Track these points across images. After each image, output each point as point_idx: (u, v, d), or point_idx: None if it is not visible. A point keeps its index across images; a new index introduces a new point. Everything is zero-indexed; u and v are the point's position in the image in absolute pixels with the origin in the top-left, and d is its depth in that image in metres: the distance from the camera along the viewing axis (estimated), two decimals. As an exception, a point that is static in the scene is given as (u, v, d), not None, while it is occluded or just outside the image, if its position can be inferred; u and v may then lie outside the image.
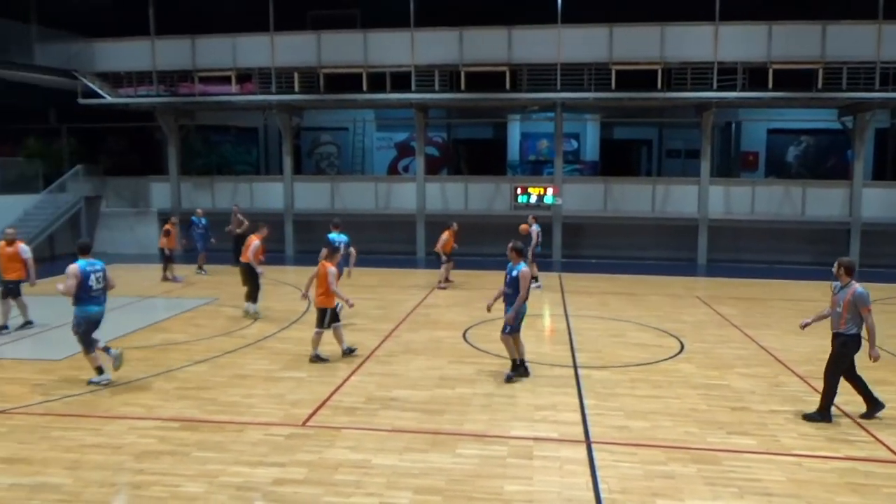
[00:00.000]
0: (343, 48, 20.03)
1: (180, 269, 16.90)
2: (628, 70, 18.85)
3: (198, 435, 6.68)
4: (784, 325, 11.96)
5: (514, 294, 8.39)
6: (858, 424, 7.08)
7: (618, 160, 25.13)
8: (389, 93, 19.88)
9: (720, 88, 18.59)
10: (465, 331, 11.28)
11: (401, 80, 19.80)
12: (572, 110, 21.84)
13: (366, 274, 17.58)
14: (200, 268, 17.49)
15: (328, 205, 21.61)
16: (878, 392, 7.32)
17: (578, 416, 7.29)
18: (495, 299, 8.84)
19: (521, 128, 24.93)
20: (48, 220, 20.23)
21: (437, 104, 21.81)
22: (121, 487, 5.61)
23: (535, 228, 15.55)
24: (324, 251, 9.58)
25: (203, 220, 17.73)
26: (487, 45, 19.46)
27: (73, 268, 7.94)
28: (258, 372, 8.84)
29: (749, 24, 18.53)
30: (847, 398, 7.37)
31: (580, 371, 9.01)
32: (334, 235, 12.27)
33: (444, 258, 15.40)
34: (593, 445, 6.51)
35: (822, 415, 7.16)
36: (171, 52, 20.75)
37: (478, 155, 26.29)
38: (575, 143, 24.69)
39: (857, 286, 6.98)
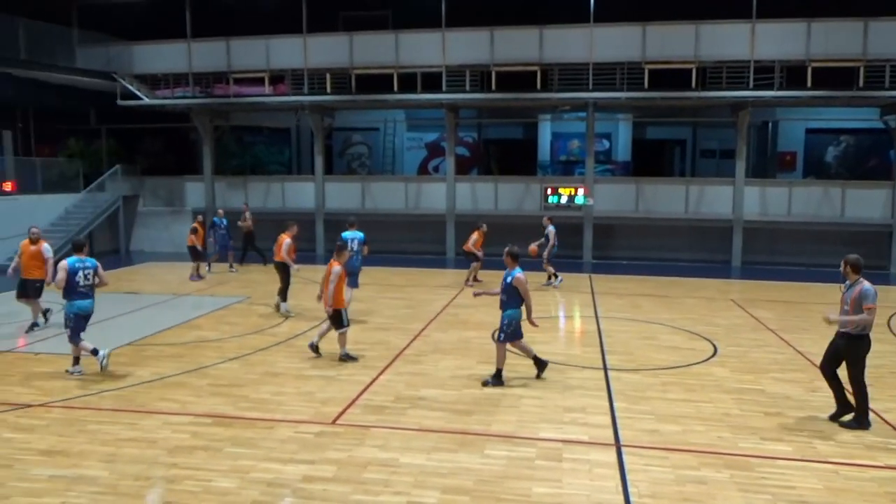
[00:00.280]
0: (374, 49, 20.15)
1: (203, 268, 17.15)
2: (662, 69, 18.61)
3: (230, 431, 6.78)
4: (822, 329, 11.59)
5: (509, 300, 8.25)
6: (899, 432, 6.88)
7: (650, 160, 24.81)
8: (420, 93, 19.94)
9: (757, 87, 18.24)
10: (495, 331, 11.21)
11: (432, 81, 19.84)
12: (604, 110, 21.63)
13: (395, 274, 17.70)
14: (231, 266, 17.78)
15: (359, 204, 21.77)
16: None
17: (608, 419, 7.22)
18: (488, 293, 8.73)
19: (552, 128, 24.77)
20: (88, 218, 20.74)
21: (467, 104, 21.81)
22: (155, 481, 5.72)
23: (551, 230, 15.49)
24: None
25: (224, 221, 17.93)
26: (519, 44, 19.38)
27: (63, 263, 8.54)
28: (289, 370, 8.94)
29: (787, 21, 18.13)
30: (888, 405, 7.17)
31: (610, 373, 8.92)
32: (348, 233, 12.36)
33: (479, 255, 15.40)
34: (623, 449, 6.44)
35: (860, 421, 6.99)
36: (206, 54, 21.11)
37: (508, 155, 26.20)
38: (606, 144, 24.47)
39: (865, 283, 6.86)
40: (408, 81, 19.97)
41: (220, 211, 18.60)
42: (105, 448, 6.34)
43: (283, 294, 12.46)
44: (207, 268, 17.40)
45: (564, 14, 19.08)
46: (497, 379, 8.32)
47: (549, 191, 20.55)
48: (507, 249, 8.53)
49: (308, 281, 15.21)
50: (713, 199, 20.10)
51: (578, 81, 19.13)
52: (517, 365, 9.24)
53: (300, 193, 22.43)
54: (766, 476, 5.88)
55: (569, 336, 11.82)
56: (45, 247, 11.12)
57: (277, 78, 20.95)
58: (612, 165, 24.30)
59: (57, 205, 20.51)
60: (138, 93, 21.30)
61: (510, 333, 8.29)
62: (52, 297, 11.27)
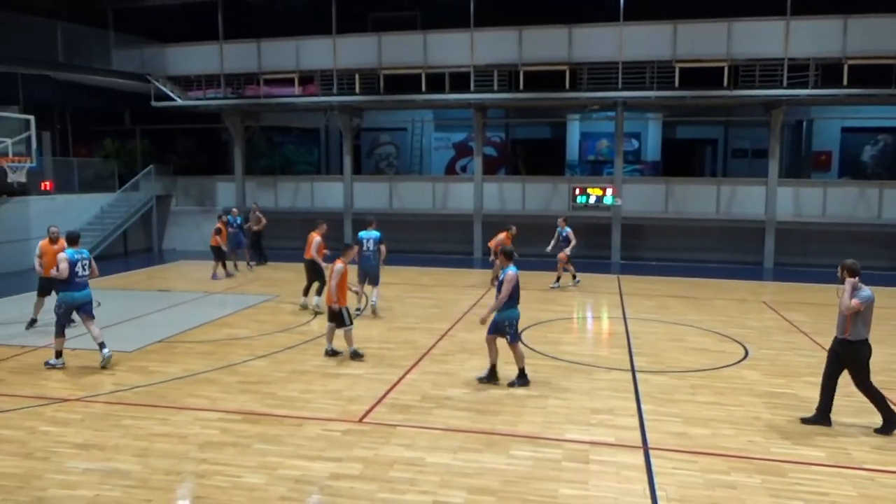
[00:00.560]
0: (403, 49, 20.22)
1: (230, 266, 17.33)
2: (693, 68, 18.36)
3: (258, 428, 6.87)
4: (857, 332, 11.40)
5: (507, 300, 8.17)
6: (938, 439, 6.70)
7: (680, 160, 24.50)
8: (448, 93, 19.95)
9: (791, 86, 17.88)
10: (521, 331, 11.20)
11: (459, 81, 19.85)
12: (633, 109, 21.42)
13: (422, 273, 17.75)
14: (249, 264, 18.02)
15: (386, 204, 21.87)
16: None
17: (636, 421, 7.15)
18: (490, 311, 8.42)
19: (581, 127, 24.61)
20: (122, 217, 21.18)
21: (495, 104, 21.76)
22: (185, 476, 5.82)
23: (569, 231, 15.42)
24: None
25: (238, 219, 17.97)
26: (547, 44, 19.28)
27: (63, 255, 8.82)
28: (317, 368, 9.03)
29: (823, 17, 17.73)
30: (925, 411, 6.97)
31: (638, 375, 8.83)
32: (364, 233, 12.50)
33: (491, 257, 15.35)
34: (651, 451, 6.37)
35: (889, 425, 6.88)
36: (237, 56, 21.40)
37: (536, 155, 26.09)
38: (636, 143, 24.22)
39: (863, 288, 6.85)
40: (436, 81, 20.01)
41: (235, 210, 18.64)
42: (138, 442, 6.47)
43: (319, 290, 12.64)
44: (235, 266, 17.62)
45: (594, 13, 18.92)
46: (522, 379, 8.30)
47: (577, 191, 20.42)
48: (500, 249, 8.49)
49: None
50: (745, 199, 19.77)
51: (607, 80, 18.96)
52: (543, 366, 9.21)
53: (329, 193, 22.61)
54: (799, 482, 5.77)
55: (596, 337, 11.73)
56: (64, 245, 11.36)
57: (307, 78, 21.15)
58: (641, 165, 24.04)
59: (93, 204, 20.98)
60: (171, 94, 21.69)
61: (514, 334, 8.22)
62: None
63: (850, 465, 6.12)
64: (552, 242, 15.78)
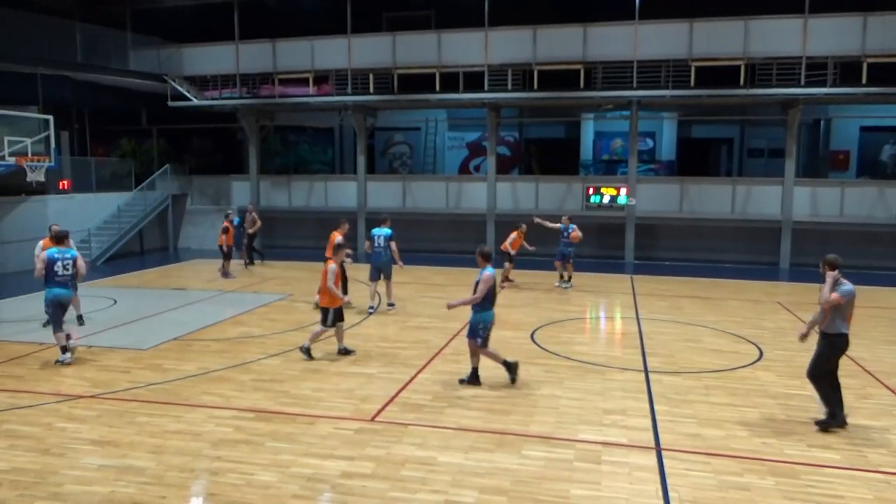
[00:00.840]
0: (417, 49, 20.26)
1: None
2: (709, 66, 18.22)
3: (271, 426, 6.91)
4: (874, 334, 11.29)
5: (482, 301, 8.10)
6: (956, 443, 6.61)
7: (696, 159, 24.34)
8: (462, 93, 19.96)
9: (808, 84, 17.69)
10: (533, 331, 11.20)
11: (473, 80, 19.85)
12: (648, 108, 21.31)
13: (435, 273, 17.76)
14: (247, 264, 18.00)
15: (400, 204, 21.91)
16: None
17: (649, 422, 7.11)
18: (462, 303, 8.47)
19: (595, 127, 24.52)
20: (139, 216, 21.39)
21: (509, 103, 21.74)
22: (199, 473, 5.87)
23: (569, 228, 15.31)
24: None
25: (236, 220, 17.94)
26: (561, 43, 19.23)
27: (42, 255, 9.19)
28: (329, 367, 9.07)
29: (841, 15, 17.53)
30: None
31: (651, 376, 8.79)
32: (377, 230, 12.79)
33: (512, 255, 15.33)
34: (664, 452, 6.34)
35: (830, 421, 6.91)
36: (252, 56, 21.54)
37: (550, 154, 26.02)
38: (650, 142, 24.09)
39: (844, 282, 6.84)
40: (450, 81, 20.02)
41: (230, 212, 18.13)
42: (152, 440, 6.53)
43: (344, 289, 12.78)
44: (245, 265, 17.68)
45: (608, 12, 18.85)
46: (473, 378, 8.24)
47: (590, 190, 20.36)
48: (478, 249, 8.42)
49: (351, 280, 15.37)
50: (761, 199, 19.60)
51: (622, 79, 18.87)
52: (556, 366, 9.18)
53: (343, 192, 22.70)
54: (813, 485, 5.71)
55: (609, 337, 11.68)
56: (70, 242, 11.54)
57: (321, 78, 21.25)
58: (655, 165, 23.91)
59: (110, 203, 21.20)
60: (188, 94, 21.88)
61: (485, 338, 8.18)
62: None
63: (865, 468, 6.05)
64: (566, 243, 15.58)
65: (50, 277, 9.00)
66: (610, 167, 24.18)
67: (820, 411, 7.08)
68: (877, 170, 22.70)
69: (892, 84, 17.37)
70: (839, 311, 6.81)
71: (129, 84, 22.21)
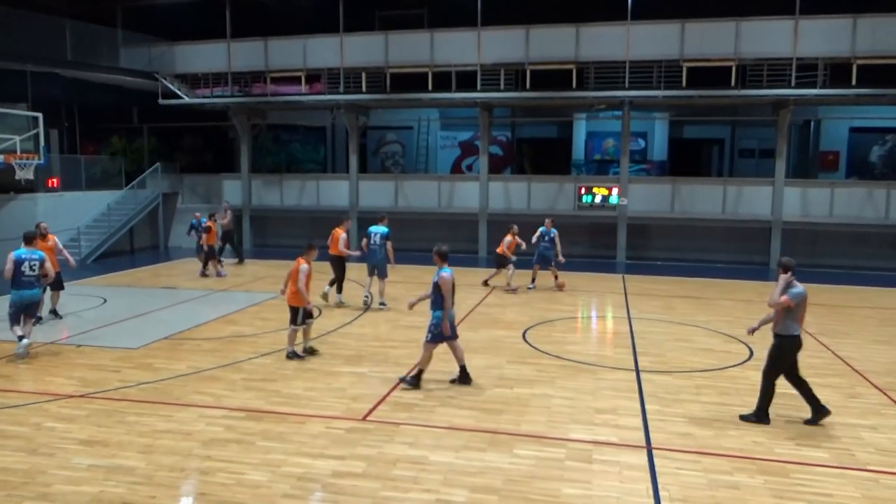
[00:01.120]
0: (410, 48, 20.23)
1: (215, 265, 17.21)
2: (700, 67, 18.29)
3: (262, 425, 6.89)
4: (863, 334, 11.38)
5: (436, 300, 8.04)
6: (943, 442, 6.66)
7: (687, 160, 24.43)
8: (454, 92, 19.94)
9: (799, 85, 17.80)
10: (525, 331, 11.22)
11: (466, 79, 19.83)
12: (640, 109, 21.37)
13: (427, 272, 17.67)
14: (205, 270, 17.07)
15: (392, 203, 21.88)
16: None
17: (639, 421, 7.14)
18: (419, 299, 8.52)
19: (587, 127, 24.56)
20: (129, 214, 21.28)
21: (502, 103, 21.75)
22: (189, 472, 5.85)
23: (550, 233, 15.10)
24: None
25: (203, 220, 17.29)
26: (554, 43, 19.25)
27: (10, 255, 9.22)
28: (321, 366, 9.05)
29: (832, 17, 17.64)
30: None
31: (642, 375, 8.82)
32: (373, 227, 12.91)
33: (512, 259, 15.10)
34: (654, 451, 6.37)
35: (759, 416, 7.08)
36: (244, 54, 21.46)
37: (542, 154, 26.07)
38: (642, 143, 24.17)
39: (796, 285, 6.98)
40: (442, 80, 20.00)
41: (197, 214, 17.96)
42: (142, 439, 6.50)
43: (339, 286, 13.04)
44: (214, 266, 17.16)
45: (601, 12, 18.88)
46: (416, 379, 8.13)
47: (582, 190, 20.40)
48: (435, 249, 8.37)
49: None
50: (752, 199, 19.70)
51: (614, 80, 18.91)
52: (548, 365, 9.20)
53: (334, 191, 22.65)
54: (802, 483, 5.75)
55: (601, 337, 11.71)
56: (56, 239, 11.67)
57: (314, 77, 21.18)
58: (647, 165, 23.98)
59: (100, 201, 21.05)
60: (179, 92, 21.76)
61: (437, 335, 8.06)
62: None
63: (853, 467, 6.09)
64: (533, 239, 15.21)
65: (17, 278, 9.08)
66: (602, 167, 24.23)
67: (807, 410, 7.13)
68: (866, 170, 22.87)
69: (881, 85, 17.51)
70: (790, 312, 6.96)
71: (119, 82, 22.06)
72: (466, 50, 19.71)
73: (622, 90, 18.86)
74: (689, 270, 18.62)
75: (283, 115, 25.03)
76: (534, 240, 15.25)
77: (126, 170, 22.87)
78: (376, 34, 21.10)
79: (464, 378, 8.31)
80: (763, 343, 10.50)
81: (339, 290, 13.12)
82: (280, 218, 23.45)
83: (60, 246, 11.66)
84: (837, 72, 17.75)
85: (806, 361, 9.56)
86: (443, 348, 8.26)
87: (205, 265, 16.81)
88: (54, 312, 11.62)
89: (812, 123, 23.38)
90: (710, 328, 11.67)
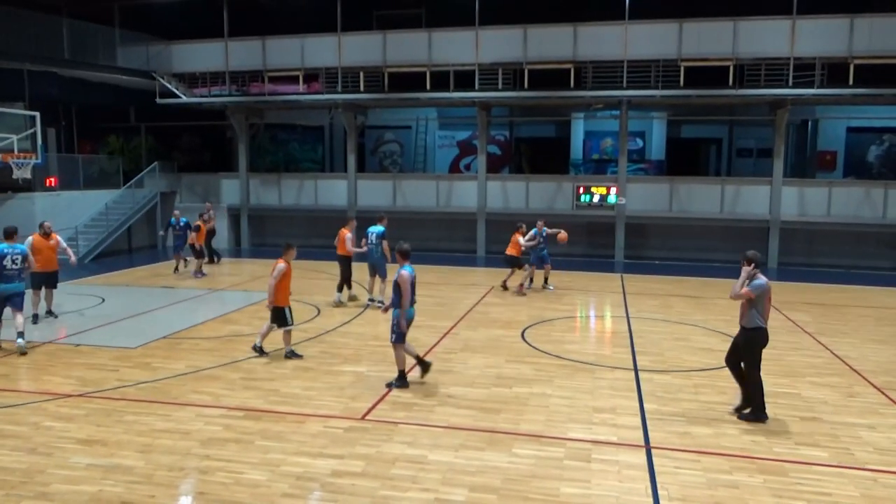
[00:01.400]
0: (408, 47, 20.23)
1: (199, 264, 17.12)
2: (698, 67, 18.32)
3: (261, 424, 6.88)
4: (861, 333, 11.40)
5: (396, 299, 8.02)
6: (941, 441, 6.68)
7: (685, 159, 24.46)
8: (453, 91, 19.95)
9: (796, 85, 17.83)
10: (524, 330, 11.22)
11: (464, 79, 19.84)
12: (638, 108, 21.40)
13: (426, 271, 17.70)
14: (176, 269, 16.99)
15: (390, 202, 21.87)
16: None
17: (638, 421, 7.14)
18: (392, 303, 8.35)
19: (585, 126, 24.58)
20: (127, 214, 21.22)
21: (500, 102, 21.75)
22: (188, 472, 5.84)
23: (543, 232, 15.02)
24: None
25: (183, 220, 17.12)
26: (552, 42, 19.27)
27: None
28: (319, 365, 9.04)
29: (829, 17, 17.69)
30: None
31: (641, 374, 8.83)
32: (371, 228, 13.05)
33: (525, 259, 14.93)
34: (653, 451, 6.37)
35: (756, 414, 7.11)
36: (242, 53, 21.44)
37: (540, 153, 26.08)
38: (640, 142, 24.19)
39: (759, 277, 7.04)
40: (440, 79, 20.00)
41: (177, 212, 17.69)
42: (141, 438, 6.49)
43: (348, 284, 13.23)
44: (185, 264, 17.04)
45: (599, 11, 18.90)
46: (401, 380, 8.11)
47: (580, 190, 20.41)
48: (397, 247, 8.29)
49: (337, 277, 15.33)
50: (750, 199, 19.73)
51: (612, 79, 18.93)
52: (546, 365, 9.20)
53: (333, 191, 22.64)
54: (801, 482, 5.76)
55: (599, 336, 11.72)
56: (59, 238, 11.68)
57: (312, 76, 21.18)
58: (645, 164, 24.01)
59: (98, 200, 21.00)
60: (176, 91, 21.73)
61: (399, 334, 8.03)
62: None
63: (852, 466, 6.10)
64: (531, 241, 14.92)
65: (0, 272, 9.24)
66: (600, 166, 24.25)
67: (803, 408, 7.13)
68: (863, 170, 22.90)
69: (878, 85, 17.55)
70: (755, 305, 7.01)
71: (117, 81, 22.01)
72: (464, 49, 19.71)
73: (620, 90, 18.87)
74: (688, 270, 18.64)
75: (280, 115, 25.01)
76: (532, 242, 15.15)
77: (124, 169, 22.82)
78: (374, 33, 21.09)
79: (424, 366, 8.26)
80: (761, 342, 10.54)
81: (339, 290, 13.18)
82: (278, 217, 23.44)
83: (64, 245, 11.62)
84: (835, 72, 17.78)
85: (804, 361, 9.63)
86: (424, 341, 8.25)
87: (180, 263, 16.88)
88: (50, 312, 11.59)
89: (809, 123, 23.42)
90: (708, 327, 11.68)
